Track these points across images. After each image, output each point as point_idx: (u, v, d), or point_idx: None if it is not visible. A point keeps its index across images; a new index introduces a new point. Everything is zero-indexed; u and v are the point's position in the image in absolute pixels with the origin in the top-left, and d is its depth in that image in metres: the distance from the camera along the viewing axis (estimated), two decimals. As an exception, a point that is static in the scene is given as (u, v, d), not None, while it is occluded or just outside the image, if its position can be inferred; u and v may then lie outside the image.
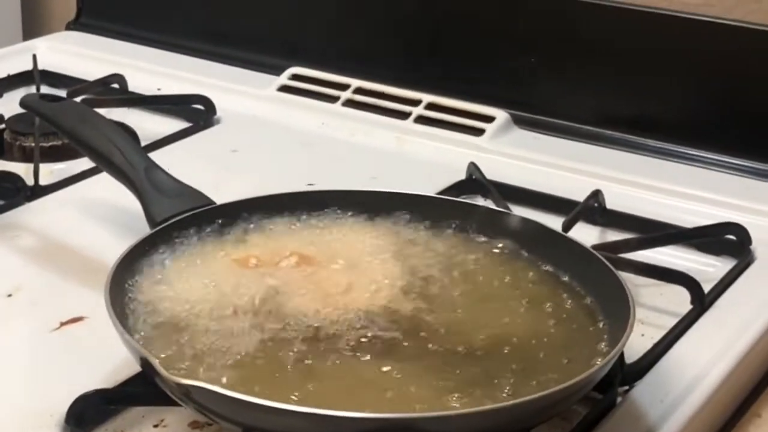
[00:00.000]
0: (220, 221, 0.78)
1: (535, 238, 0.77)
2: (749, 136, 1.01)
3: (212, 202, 0.79)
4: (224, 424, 0.62)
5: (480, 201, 0.95)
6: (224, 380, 0.63)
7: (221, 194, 0.81)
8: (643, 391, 0.71)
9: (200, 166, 1.00)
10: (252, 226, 0.79)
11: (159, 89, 1.18)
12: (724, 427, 0.74)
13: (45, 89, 1.17)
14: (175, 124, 1.12)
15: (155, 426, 0.68)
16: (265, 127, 1.12)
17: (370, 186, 0.88)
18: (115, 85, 1.19)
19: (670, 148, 1.03)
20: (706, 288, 0.81)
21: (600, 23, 1.07)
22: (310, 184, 0.93)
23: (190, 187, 0.80)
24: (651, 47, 1.05)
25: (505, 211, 0.84)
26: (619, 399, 0.70)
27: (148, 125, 1.11)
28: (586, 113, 1.07)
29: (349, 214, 0.81)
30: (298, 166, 1.03)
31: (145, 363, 0.62)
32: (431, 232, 0.80)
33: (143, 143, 1.04)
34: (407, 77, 1.14)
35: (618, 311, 0.68)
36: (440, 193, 0.93)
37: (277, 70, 1.19)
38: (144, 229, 0.77)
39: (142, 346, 0.64)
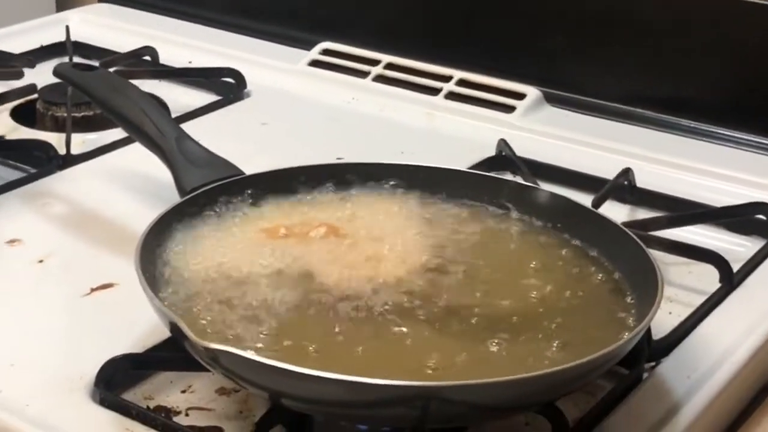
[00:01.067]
0: (249, 191, 0.78)
1: (564, 213, 0.77)
2: (781, 117, 1.01)
3: (242, 173, 0.80)
4: (252, 389, 0.62)
5: (509, 177, 0.94)
6: (252, 346, 0.63)
7: (250, 166, 0.81)
8: (670, 368, 0.71)
9: (230, 138, 1.00)
10: (281, 196, 0.79)
11: (190, 62, 1.19)
12: (750, 405, 0.74)
13: (77, 60, 1.17)
14: (206, 97, 1.12)
15: (183, 391, 0.69)
16: (295, 101, 1.12)
17: (399, 161, 0.88)
18: (147, 58, 1.19)
19: (701, 128, 1.03)
20: (735, 267, 0.81)
21: (633, 1, 1.06)
22: (339, 158, 0.93)
23: (220, 158, 0.81)
24: (684, 26, 1.04)
25: (535, 186, 0.84)
26: (645, 374, 0.70)
27: (179, 98, 1.12)
28: (618, 91, 1.07)
29: (378, 186, 0.81)
30: (327, 140, 1.03)
31: (174, 328, 0.62)
32: (460, 206, 0.80)
33: (173, 115, 1.04)
34: (438, 53, 1.14)
35: (646, 286, 0.68)
36: (470, 168, 0.93)
37: (307, 45, 1.19)
38: (174, 198, 0.77)
39: (171, 311, 0.64)
